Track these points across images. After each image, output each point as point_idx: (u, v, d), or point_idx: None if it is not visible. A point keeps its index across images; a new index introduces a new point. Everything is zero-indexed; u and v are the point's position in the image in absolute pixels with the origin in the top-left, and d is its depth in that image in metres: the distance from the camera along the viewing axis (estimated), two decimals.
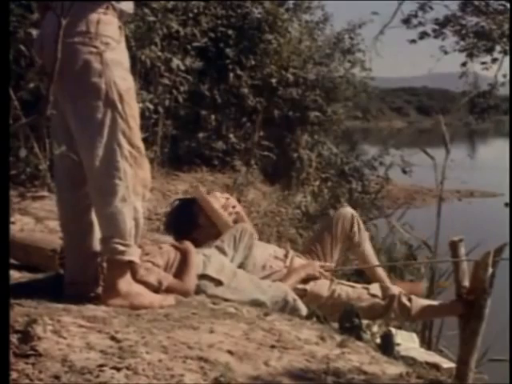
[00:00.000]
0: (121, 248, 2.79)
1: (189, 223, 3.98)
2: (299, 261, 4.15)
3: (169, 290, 3.31)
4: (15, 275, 3.23)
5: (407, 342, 3.78)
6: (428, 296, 4.88)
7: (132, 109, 2.83)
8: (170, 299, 3.02)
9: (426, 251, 6.01)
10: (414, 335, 4.10)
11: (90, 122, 2.75)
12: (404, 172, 10.23)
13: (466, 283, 3.16)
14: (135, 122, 2.84)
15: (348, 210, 4.36)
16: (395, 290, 4.04)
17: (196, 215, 4.00)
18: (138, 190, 2.84)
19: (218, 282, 3.45)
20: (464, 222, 10.65)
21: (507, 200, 9.54)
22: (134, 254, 2.85)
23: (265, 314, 3.15)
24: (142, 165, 2.86)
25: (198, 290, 3.41)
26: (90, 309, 2.74)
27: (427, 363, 3.35)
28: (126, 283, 2.85)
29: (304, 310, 3.56)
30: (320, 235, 4.37)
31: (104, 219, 2.82)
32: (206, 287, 3.43)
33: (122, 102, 2.78)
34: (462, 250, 3.22)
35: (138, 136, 2.85)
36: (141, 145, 2.87)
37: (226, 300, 3.37)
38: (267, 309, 3.36)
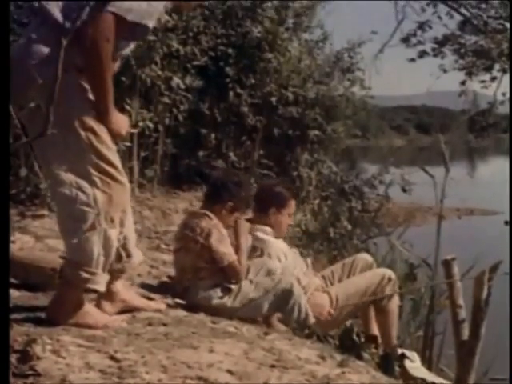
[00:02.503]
0: (85, 275, 2.74)
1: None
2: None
3: (229, 269, 3.51)
4: (15, 294, 3.22)
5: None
6: (428, 314, 4.88)
7: (98, 135, 2.71)
8: (119, 321, 2.93)
9: (426, 269, 6.00)
10: (415, 354, 4.09)
11: (55, 149, 2.67)
12: (404, 191, 10.22)
13: (461, 302, 3.16)
14: (105, 147, 2.74)
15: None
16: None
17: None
18: (114, 216, 2.77)
19: (228, 290, 3.51)
20: (464, 240, 10.64)
21: (507, 218, 9.54)
22: (99, 283, 2.79)
23: (265, 333, 3.15)
24: (116, 189, 2.76)
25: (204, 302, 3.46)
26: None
27: None
28: (74, 302, 2.80)
29: (310, 318, 3.62)
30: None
31: (71, 245, 2.76)
32: (212, 298, 3.48)
33: (86, 129, 2.69)
34: (456, 269, 3.22)
35: (109, 161, 2.75)
36: (113, 170, 2.76)
37: (228, 309, 3.42)
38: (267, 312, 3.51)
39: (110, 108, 2.73)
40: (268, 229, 4.08)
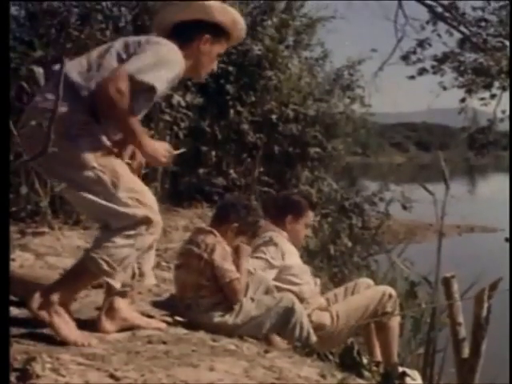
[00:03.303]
0: (105, 268, 2.83)
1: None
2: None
3: (229, 286, 3.45)
4: (14, 311, 3.22)
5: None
6: (429, 332, 4.86)
7: (111, 160, 2.87)
8: (91, 340, 2.89)
9: (426, 287, 5.98)
10: (416, 372, 4.07)
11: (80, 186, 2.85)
12: (404, 208, 10.21)
13: (461, 319, 3.15)
14: (121, 168, 2.89)
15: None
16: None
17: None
18: (153, 226, 2.89)
19: (229, 309, 3.50)
20: (465, 257, 10.63)
21: (508, 235, 9.53)
22: (116, 280, 2.89)
23: (265, 351, 3.13)
24: (145, 203, 2.89)
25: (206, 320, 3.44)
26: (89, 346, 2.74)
27: None
28: (62, 308, 2.84)
29: (312, 336, 3.61)
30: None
31: (103, 238, 2.86)
32: (213, 316, 3.46)
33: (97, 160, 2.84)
34: (455, 286, 3.21)
35: (131, 179, 2.91)
36: (137, 185, 2.93)
37: (230, 327, 3.41)
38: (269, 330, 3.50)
39: (142, 142, 2.89)
40: (284, 233, 4.13)
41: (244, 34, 3.32)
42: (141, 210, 2.85)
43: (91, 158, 2.81)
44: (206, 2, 3.08)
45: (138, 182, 2.99)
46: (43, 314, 2.81)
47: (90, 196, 2.82)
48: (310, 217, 4.36)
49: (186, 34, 3.07)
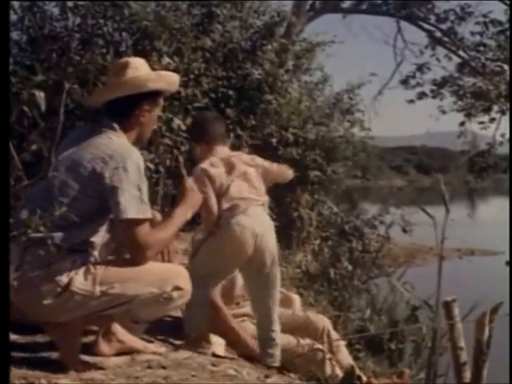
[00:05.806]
0: (130, 323, 3.01)
1: None
2: None
3: None
4: (13, 336, 3.20)
5: None
6: (430, 356, 4.83)
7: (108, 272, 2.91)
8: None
9: (427, 310, 5.96)
10: None
11: None
12: (404, 231, 10.22)
13: (462, 344, 3.13)
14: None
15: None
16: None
17: None
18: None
19: None
20: (465, 280, 10.61)
21: (508, 258, 9.52)
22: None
23: (265, 376, 3.12)
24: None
25: None
26: (88, 371, 2.72)
27: None
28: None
29: None
30: None
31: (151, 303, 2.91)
32: None
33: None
34: (456, 310, 3.20)
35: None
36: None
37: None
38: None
39: None
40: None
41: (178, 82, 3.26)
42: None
43: (89, 284, 2.78)
44: (140, 77, 3.02)
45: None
46: (53, 332, 2.83)
47: None
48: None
49: (123, 108, 3.02)
